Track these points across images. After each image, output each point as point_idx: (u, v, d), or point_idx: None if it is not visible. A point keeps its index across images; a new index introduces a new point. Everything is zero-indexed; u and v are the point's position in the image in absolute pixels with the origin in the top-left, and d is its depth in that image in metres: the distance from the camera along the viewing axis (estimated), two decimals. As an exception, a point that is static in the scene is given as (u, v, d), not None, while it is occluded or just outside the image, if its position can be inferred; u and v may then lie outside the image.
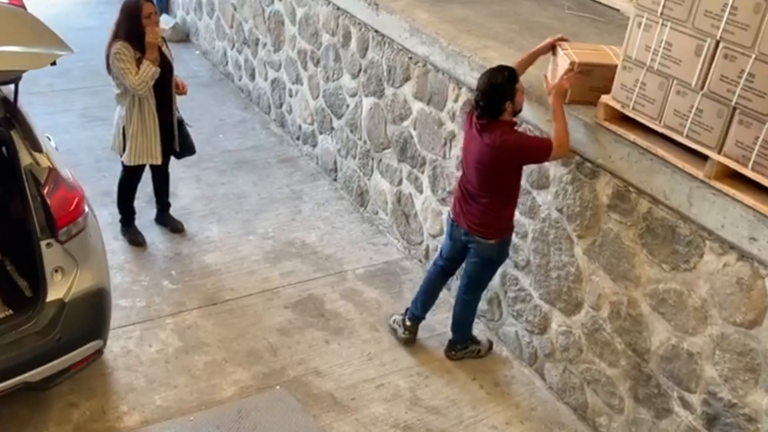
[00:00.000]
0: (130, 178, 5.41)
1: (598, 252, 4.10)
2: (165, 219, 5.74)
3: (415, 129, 5.34)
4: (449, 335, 4.76)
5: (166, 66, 5.08)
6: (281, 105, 7.14)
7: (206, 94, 7.85)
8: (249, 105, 7.72)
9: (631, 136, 3.75)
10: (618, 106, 3.81)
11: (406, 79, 5.31)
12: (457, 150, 4.94)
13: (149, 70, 4.90)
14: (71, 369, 3.92)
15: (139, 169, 5.32)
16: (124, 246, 5.46)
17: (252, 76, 7.63)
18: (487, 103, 3.94)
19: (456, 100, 4.86)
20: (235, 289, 5.18)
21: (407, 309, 4.81)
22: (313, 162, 6.76)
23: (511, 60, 4.57)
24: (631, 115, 3.74)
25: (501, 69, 3.96)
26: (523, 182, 4.46)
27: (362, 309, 5.11)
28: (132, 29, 4.89)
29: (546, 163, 4.29)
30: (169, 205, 5.76)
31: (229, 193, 6.20)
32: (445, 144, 5.04)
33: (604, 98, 3.87)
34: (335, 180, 6.47)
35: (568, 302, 4.33)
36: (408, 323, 4.77)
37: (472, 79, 4.64)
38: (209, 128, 7.16)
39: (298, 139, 6.95)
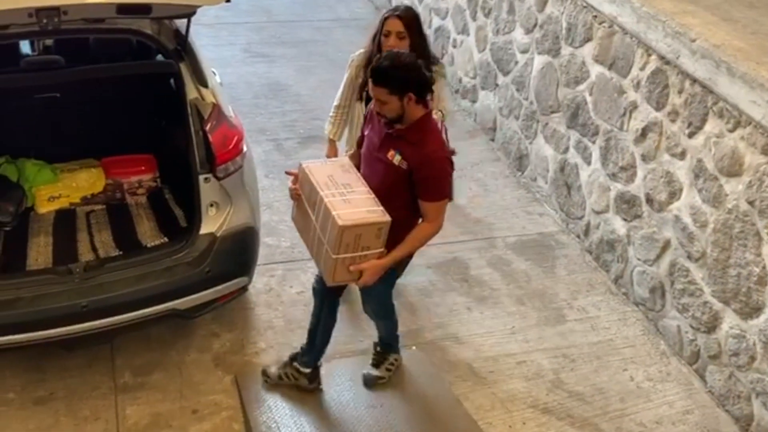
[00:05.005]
0: None
1: (791, 254, 3.64)
2: None
3: (590, 95, 4.95)
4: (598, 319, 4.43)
5: None
6: (443, 55, 6.86)
7: (364, 37, 7.64)
8: (408, 52, 7.50)
9: None
10: None
11: (587, 40, 4.91)
12: (637, 122, 4.53)
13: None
14: (217, 302, 3.96)
15: None
16: (274, 184, 5.45)
17: (415, 23, 7.39)
18: None
19: (643, 68, 4.43)
20: (380, 242, 5.05)
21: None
22: (471, 118, 6.49)
23: (713, 29, 4.10)
24: None
25: None
26: (711, 166, 4.03)
27: (510, 280, 4.87)
28: (373, 43, 3.95)
29: (741, 148, 3.84)
30: None
31: (382, 143, 6.06)
32: (624, 114, 4.62)
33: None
34: (493, 140, 6.17)
35: (746, 304, 3.90)
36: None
37: (665, 46, 4.22)
38: (365, 74, 7.03)
39: (457, 92, 6.68)
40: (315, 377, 3.91)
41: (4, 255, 3.96)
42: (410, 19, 3.86)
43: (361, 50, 4.06)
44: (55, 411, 3.73)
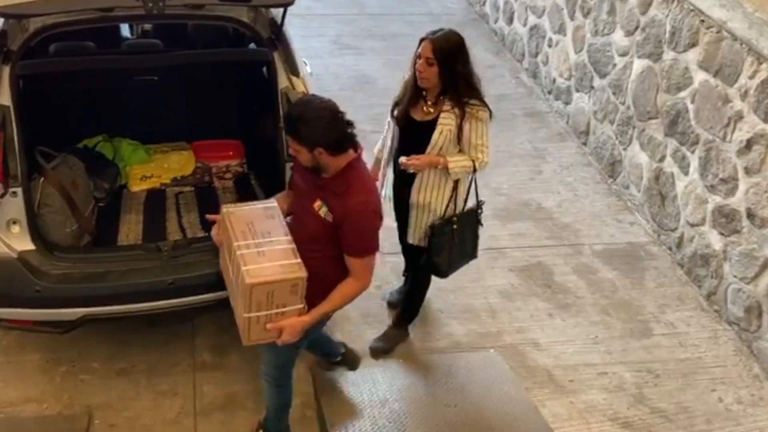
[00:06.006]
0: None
1: None
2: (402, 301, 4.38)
3: (692, 102, 4.74)
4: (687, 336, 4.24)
5: (423, 128, 3.66)
6: (537, 54, 6.74)
7: (456, 34, 7.63)
8: (501, 50, 7.39)
9: None
10: None
11: (692, 45, 4.71)
12: (742, 133, 4.31)
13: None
14: None
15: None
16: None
17: (510, 20, 7.28)
18: None
19: (752, 77, 4.21)
20: (461, 241, 4.97)
21: None
22: (563, 120, 6.34)
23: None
24: None
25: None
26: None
27: (595, 288, 4.72)
28: (412, 65, 3.65)
29: None
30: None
31: (469, 141, 5.98)
32: (728, 124, 4.41)
33: None
34: (585, 144, 6.01)
35: None
36: None
37: (778, 53, 4.00)
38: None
39: (549, 93, 6.54)
40: (348, 359, 3.96)
41: (97, 229, 4.09)
42: (442, 46, 3.48)
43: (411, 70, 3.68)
44: (135, 383, 3.83)
